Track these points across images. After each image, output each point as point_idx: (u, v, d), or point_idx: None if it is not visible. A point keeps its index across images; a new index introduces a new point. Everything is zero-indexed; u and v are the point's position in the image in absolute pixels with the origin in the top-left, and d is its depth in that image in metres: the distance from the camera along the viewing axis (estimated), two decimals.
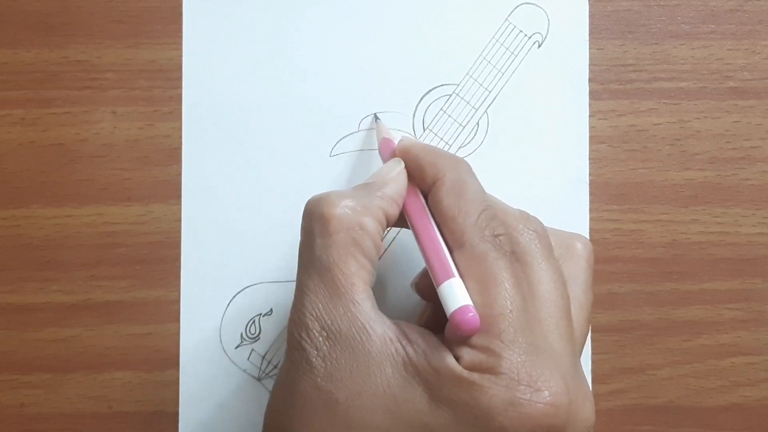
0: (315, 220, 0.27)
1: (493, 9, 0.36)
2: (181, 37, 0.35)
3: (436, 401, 0.25)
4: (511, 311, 0.25)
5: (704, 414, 0.35)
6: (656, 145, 0.36)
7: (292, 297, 0.35)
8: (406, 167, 0.30)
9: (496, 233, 0.27)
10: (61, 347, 0.35)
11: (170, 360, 0.35)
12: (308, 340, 0.26)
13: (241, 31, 0.35)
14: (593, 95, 0.36)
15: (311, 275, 0.27)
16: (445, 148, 0.35)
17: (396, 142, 0.31)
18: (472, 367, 0.25)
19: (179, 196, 0.35)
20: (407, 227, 0.30)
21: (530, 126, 0.35)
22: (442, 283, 0.26)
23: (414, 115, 0.35)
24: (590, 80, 0.36)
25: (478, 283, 0.26)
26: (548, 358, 0.25)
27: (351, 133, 0.35)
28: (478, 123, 0.35)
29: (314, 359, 0.26)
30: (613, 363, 0.35)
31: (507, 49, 0.35)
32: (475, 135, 0.35)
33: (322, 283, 0.26)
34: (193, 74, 0.35)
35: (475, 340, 0.25)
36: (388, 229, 0.33)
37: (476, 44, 0.36)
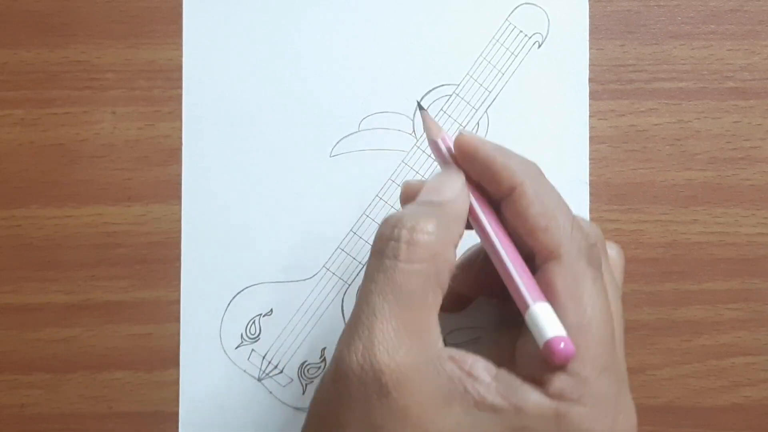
0: (401, 240, 0.25)
1: (493, 9, 0.36)
2: (181, 37, 0.35)
3: None
4: (604, 335, 0.24)
5: (704, 414, 0.35)
6: (656, 145, 0.36)
7: (292, 297, 0.35)
8: (471, 170, 0.27)
9: (590, 242, 0.25)
10: (61, 347, 0.35)
11: (170, 360, 0.35)
12: (381, 370, 0.23)
13: (241, 31, 0.35)
14: (593, 95, 0.36)
15: (388, 299, 0.24)
16: None
17: (449, 141, 0.29)
18: (560, 395, 0.23)
19: (179, 196, 0.35)
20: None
21: (530, 126, 0.35)
22: (531, 305, 0.24)
23: (414, 115, 0.35)
24: (590, 80, 0.36)
25: (575, 301, 0.24)
26: (625, 383, 0.25)
27: (351, 133, 0.35)
28: (478, 123, 0.35)
29: (393, 391, 0.23)
30: None
31: (507, 49, 0.36)
32: None
33: (400, 311, 0.24)
34: (193, 74, 0.35)
35: (570, 365, 0.24)
36: None
37: (476, 44, 0.36)
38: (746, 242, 0.35)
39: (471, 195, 0.27)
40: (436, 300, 0.25)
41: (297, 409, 0.34)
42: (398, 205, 0.33)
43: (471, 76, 0.35)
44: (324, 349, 0.35)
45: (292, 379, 0.35)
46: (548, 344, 0.23)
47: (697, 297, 0.35)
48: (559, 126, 0.35)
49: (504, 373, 0.24)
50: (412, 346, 0.24)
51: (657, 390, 0.35)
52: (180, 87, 0.35)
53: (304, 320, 0.35)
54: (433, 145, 0.29)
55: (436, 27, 0.35)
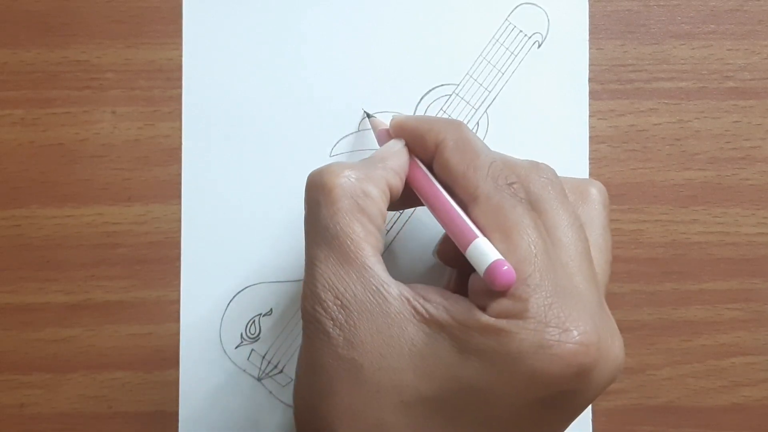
0: (318, 191, 0.27)
1: (493, 9, 0.36)
2: (181, 37, 0.35)
3: (464, 353, 0.25)
4: (535, 255, 0.25)
5: (704, 414, 0.35)
6: (656, 145, 0.36)
7: (292, 297, 0.35)
8: (406, 143, 0.30)
9: (509, 182, 0.27)
10: (61, 347, 0.35)
11: (170, 360, 0.35)
12: (322, 312, 0.26)
13: (241, 31, 0.35)
14: (593, 95, 0.36)
15: (319, 245, 0.26)
16: None
17: (389, 122, 0.31)
18: (499, 315, 0.25)
19: (179, 196, 0.35)
20: (415, 205, 0.30)
21: (530, 126, 0.35)
22: (468, 246, 0.26)
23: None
24: (590, 80, 0.36)
25: (499, 231, 0.26)
26: (575, 298, 0.25)
27: (351, 133, 0.35)
28: (478, 123, 0.35)
29: (331, 330, 0.25)
30: None
31: (507, 49, 0.36)
32: None
33: (331, 251, 0.26)
34: (193, 74, 0.35)
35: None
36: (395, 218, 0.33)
37: (476, 44, 0.36)
38: (746, 242, 0.35)
39: (413, 158, 0.30)
40: (368, 234, 0.26)
41: None
42: None
43: (471, 76, 0.35)
44: None
45: (292, 379, 0.35)
46: (488, 271, 0.25)
47: (697, 297, 0.35)
48: (559, 126, 0.35)
49: (453, 295, 0.26)
50: (350, 279, 0.26)
51: (657, 390, 0.35)
52: (180, 87, 0.35)
53: None
54: (381, 133, 0.32)
55: (436, 27, 0.35)
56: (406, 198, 0.29)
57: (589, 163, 0.35)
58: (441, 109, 0.35)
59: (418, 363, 0.25)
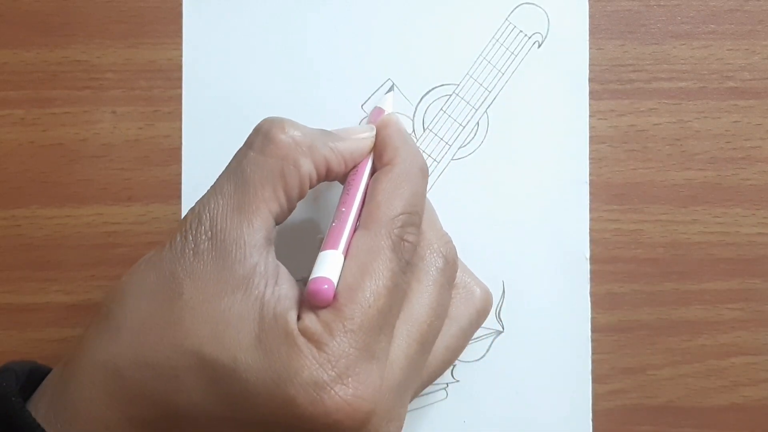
0: (259, 135, 0.27)
1: (493, 9, 0.36)
2: (181, 37, 0.35)
3: (258, 342, 0.24)
4: (370, 307, 0.25)
5: (704, 414, 0.35)
6: (656, 145, 0.36)
7: None
8: (375, 141, 0.30)
9: (405, 238, 0.27)
10: (61, 347, 0.35)
11: None
12: (192, 232, 0.26)
13: (241, 31, 0.35)
14: (593, 95, 0.36)
15: (230, 180, 0.27)
16: (446, 149, 0.35)
17: (384, 114, 0.31)
18: (304, 332, 0.24)
19: (179, 196, 0.35)
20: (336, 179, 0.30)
21: (530, 126, 0.35)
22: (324, 250, 0.26)
23: (414, 115, 0.35)
24: (590, 80, 0.36)
25: (359, 268, 0.26)
26: (378, 367, 0.25)
27: None
28: (478, 123, 0.35)
29: (188, 250, 0.26)
30: (613, 363, 0.35)
31: (507, 49, 0.35)
32: (475, 135, 0.35)
33: (234, 192, 0.26)
34: (193, 74, 0.35)
35: (324, 313, 0.25)
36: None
37: (476, 44, 0.36)
38: (746, 242, 0.35)
39: (369, 157, 0.30)
40: (273, 199, 0.26)
41: None
42: None
43: (471, 76, 0.35)
44: None
45: None
46: (313, 280, 0.25)
47: (697, 297, 0.35)
48: (559, 126, 0.35)
49: (296, 294, 0.26)
50: (232, 224, 0.26)
51: (657, 390, 0.35)
52: (180, 87, 0.35)
53: None
54: (375, 111, 0.33)
55: (436, 27, 0.35)
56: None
57: (589, 163, 0.35)
58: (441, 109, 0.35)
59: (219, 325, 0.25)
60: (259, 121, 0.28)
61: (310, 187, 0.28)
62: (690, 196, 0.36)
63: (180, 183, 0.35)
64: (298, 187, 0.27)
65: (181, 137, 0.35)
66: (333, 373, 0.24)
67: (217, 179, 0.27)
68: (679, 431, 0.35)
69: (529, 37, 0.36)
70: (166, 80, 0.35)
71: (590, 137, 0.35)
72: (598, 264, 0.35)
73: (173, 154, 0.35)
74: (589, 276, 0.35)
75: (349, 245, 0.27)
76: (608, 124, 0.36)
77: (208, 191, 0.27)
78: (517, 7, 0.36)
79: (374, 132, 0.30)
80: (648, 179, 0.36)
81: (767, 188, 0.36)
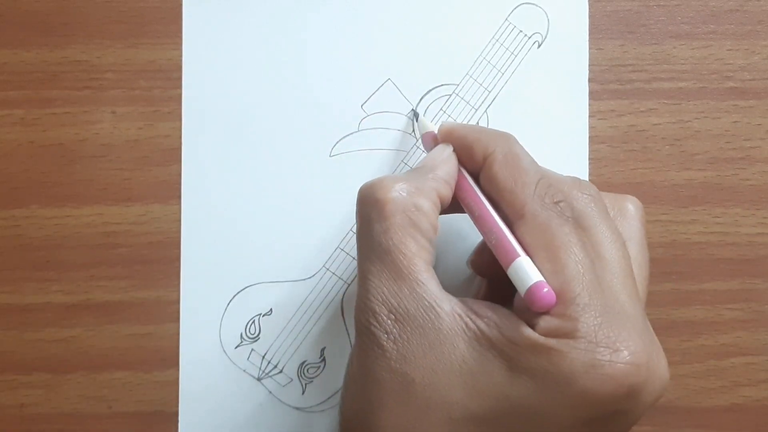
0: (370, 206, 0.27)
1: (493, 9, 0.36)
2: (181, 37, 0.35)
3: (514, 371, 0.25)
4: (582, 274, 0.25)
5: (704, 414, 0.35)
6: (656, 145, 0.36)
7: (292, 297, 0.35)
8: (456, 152, 0.30)
9: (556, 200, 0.27)
10: (61, 347, 0.35)
11: (170, 360, 0.35)
12: (377, 325, 0.26)
13: (241, 31, 0.35)
14: (593, 95, 0.36)
15: (372, 260, 0.27)
16: None
17: (438, 127, 0.31)
18: (548, 334, 0.25)
19: (179, 196, 0.35)
20: (457, 212, 0.30)
21: (530, 126, 0.35)
22: (510, 264, 0.26)
23: (415, 115, 0.35)
24: (590, 80, 0.36)
25: (546, 250, 0.26)
26: (622, 318, 0.25)
27: (351, 133, 0.35)
28: (477, 123, 0.35)
29: (385, 343, 0.26)
30: None
31: (507, 49, 0.35)
32: None
33: (384, 266, 0.26)
34: (193, 74, 0.35)
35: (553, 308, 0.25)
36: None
37: (476, 44, 0.36)
38: (746, 242, 0.35)
39: (460, 168, 0.30)
40: (420, 248, 0.27)
41: (297, 408, 0.34)
42: None
43: (471, 76, 0.35)
44: (324, 348, 0.35)
45: (292, 379, 0.35)
46: (529, 292, 0.25)
47: (697, 297, 0.35)
48: (559, 126, 0.35)
49: (504, 311, 0.26)
50: (403, 295, 0.26)
51: None
52: (180, 87, 0.35)
53: (304, 320, 0.35)
54: (427, 136, 0.32)
55: (436, 27, 0.35)
56: (453, 204, 0.29)
57: (589, 163, 0.35)
58: (441, 109, 0.35)
59: (467, 380, 0.25)
60: (358, 192, 0.28)
61: (437, 221, 0.28)
62: (690, 196, 0.36)
63: (180, 183, 0.35)
64: (431, 226, 0.27)
65: (181, 137, 0.35)
66: (600, 348, 0.24)
67: (360, 269, 0.27)
68: (679, 431, 0.35)
69: (529, 37, 0.36)
70: (166, 80, 0.35)
71: (590, 137, 0.35)
72: None
73: (173, 154, 0.35)
74: None
75: (521, 244, 0.27)
76: (608, 124, 0.36)
77: (359, 286, 0.27)
78: (516, 7, 0.36)
79: (450, 147, 0.30)
80: (648, 179, 0.36)
81: (767, 188, 0.36)
